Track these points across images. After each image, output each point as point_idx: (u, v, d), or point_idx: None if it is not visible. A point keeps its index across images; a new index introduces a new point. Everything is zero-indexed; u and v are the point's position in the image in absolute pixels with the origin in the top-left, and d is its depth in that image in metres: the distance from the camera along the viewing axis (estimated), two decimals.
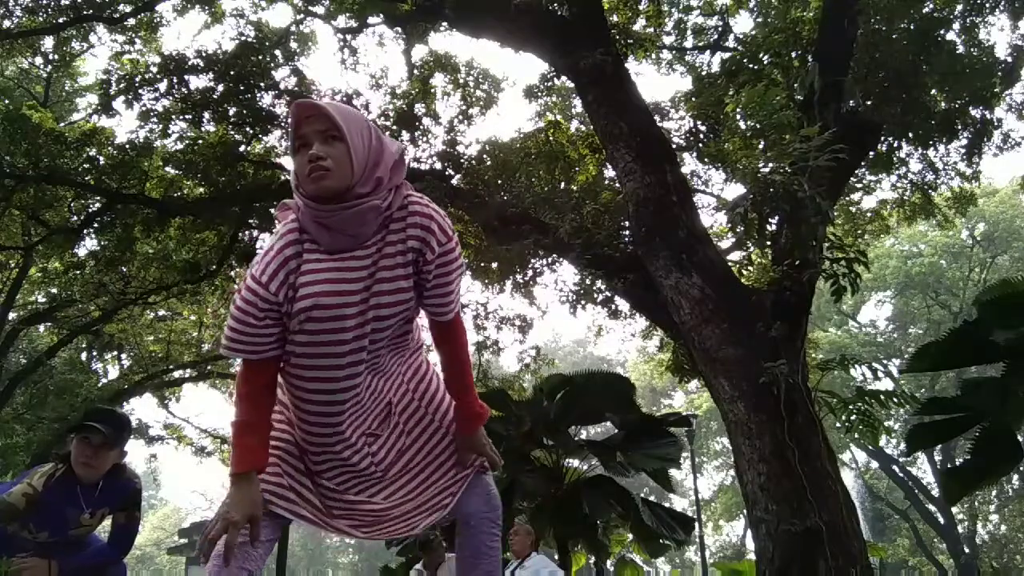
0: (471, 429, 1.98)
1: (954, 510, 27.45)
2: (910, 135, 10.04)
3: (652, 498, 14.49)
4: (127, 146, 10.98)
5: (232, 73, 10.36)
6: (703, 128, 10.12)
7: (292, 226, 1.74)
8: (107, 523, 3.05)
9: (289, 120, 1.79)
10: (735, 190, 12.54)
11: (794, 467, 5.70)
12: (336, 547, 55.39)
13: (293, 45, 11.81)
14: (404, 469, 1.94)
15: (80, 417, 3.20)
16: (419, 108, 11.39)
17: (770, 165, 6.68)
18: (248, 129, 10.85)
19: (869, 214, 12.36)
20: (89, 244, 12.59)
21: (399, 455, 1.94)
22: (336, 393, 1.78)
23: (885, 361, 29.57)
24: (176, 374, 19.30)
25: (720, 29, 11.60)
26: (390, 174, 1.73)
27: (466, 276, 13.07)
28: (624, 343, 62.76)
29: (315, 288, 1.70)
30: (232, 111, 10.63)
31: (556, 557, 9.50)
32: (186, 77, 10.52)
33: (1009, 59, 10.23)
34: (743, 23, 68.27)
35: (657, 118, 9.40)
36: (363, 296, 1.73)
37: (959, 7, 9.93)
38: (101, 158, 11.07)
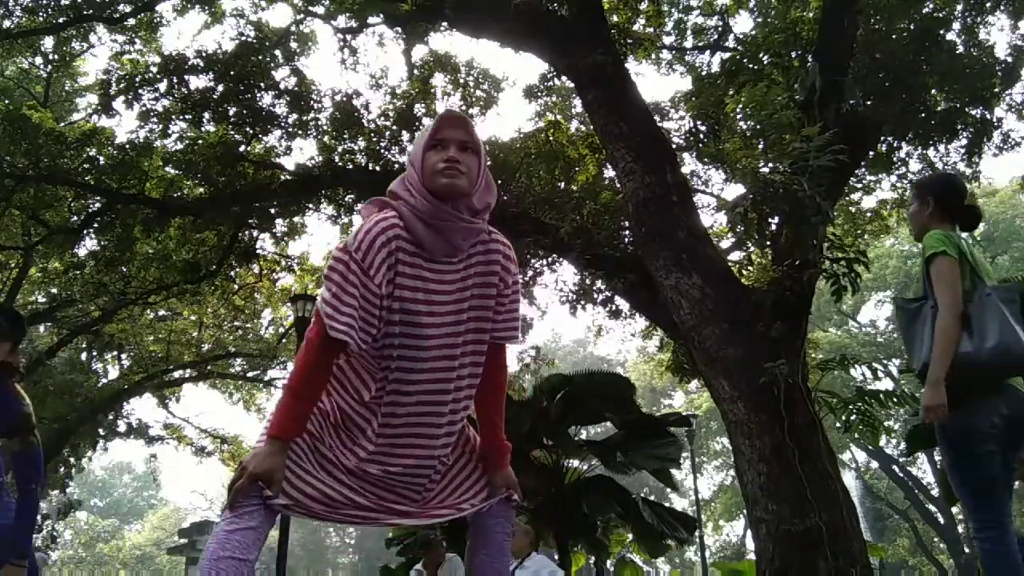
0: (504, 462, 2.06)
1: (954, 510, 27.41)
2: (910, 135, 10.04)
3: (652, 498, 14.49)
4: (127, 146, 10.98)
5: (232, 73, 10.36)
6: (703, 128, 10.12)
7: (396, 219, 1.81)
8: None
9: (432, 123, 1.86)
10: (735, 190, 12.56)
11: (794, 467, 5.69)
12: (336, 547, 55.41)
13: (293, 45, 11.81)
14: (439, 500, 1.99)
15: None
16: (419, 108, 11.39)
17: (770, 165, 6.68)
18: (248, 129, 10.85)
19: (869, 214, 12.37)
20: (89, 244, 12.60)
21: (445, 490, 1.99)
22: (433, 395, 1.84)
23: (885, 361, 29.57)
24: (176, 374, 19.32)
25: (720, 29, 11.60)
26: (489, 208, 1.92)
27: None
28: (624, 343, 62.84)
29: (415, 286, 1.79)
30: (232, 111, 10.63)
31: (556, 557, 9.50)
32: (186, 77, 10.52)
33: (1009, 59, 10.22)
34: (743, 23, 68.29)
35: (657, 118, 9.40)
36: (454, 308, 1.84)
37: (959, 7, 9.93)
38: (101, 158, 11.07)
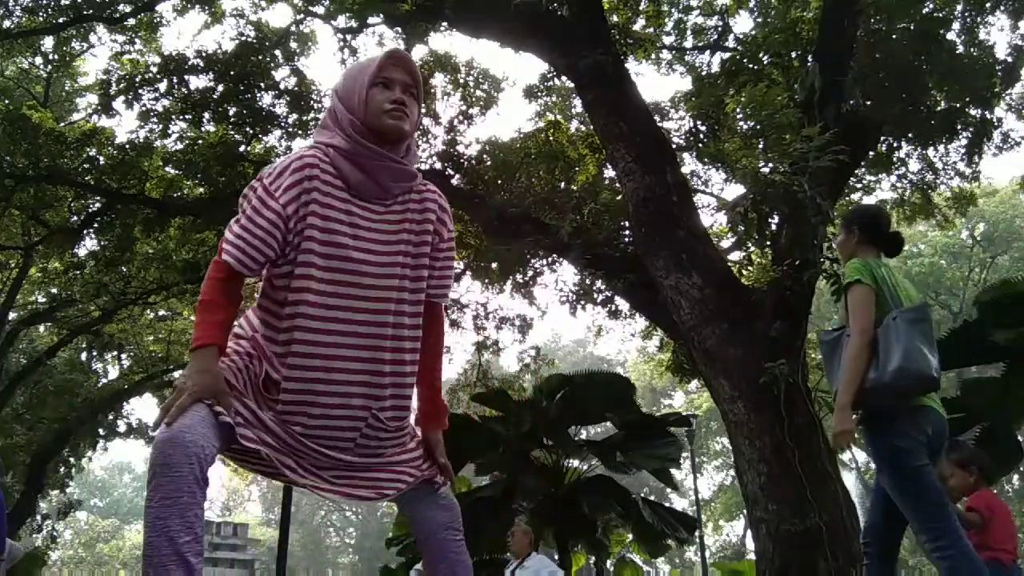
0: (441, 422, 1.96)
1: None
2: (910, 135, 10.04)
3: (652, 498, 14.49)
4: (127, 146, 10.98)
5: (232, 73, 10.36)
6: (703, 128, 10.12)
7: (313, 151, 1.76)
8: None
9: (376, 60, 1.81)
10: (735, 190, 12.55)
11: (794, 467, 5.70)
12: (336, 547, 55.44)
13: (293, 45, 11.81)
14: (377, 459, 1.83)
15: None
16: None
17: (770, 165, 6.68)
18: (248, 129, 10.85)
19: None
20: (89, 244, 12.62)
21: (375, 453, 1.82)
22: (355, 337, 1.71)
23: None
24: (176, 374, 19.29)
25: (720, 29, 11.60)
26: (414, 154, 1.90)
27: (466, 276, 13.13)
28: (624, 343, 62.74)
29: (339, 218, 1.72)
30: (232, 111, 10.63)
31: (556, 557, 9.50)
32: (186, 77, 10.53)
33: (1009, 59, 10.22)
34: (743, 23, 68.26)
35: (657, 118, 9.40)
36: (389, 250, 1.77)
37: (959, 7, 9.93)
38: (101, 158, 11.08)
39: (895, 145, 10.35)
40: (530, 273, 11.50)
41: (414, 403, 1.92)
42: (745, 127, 8.46)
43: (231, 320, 1.71)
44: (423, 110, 1.89)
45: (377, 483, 1.80)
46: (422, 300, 1.84)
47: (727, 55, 10.58)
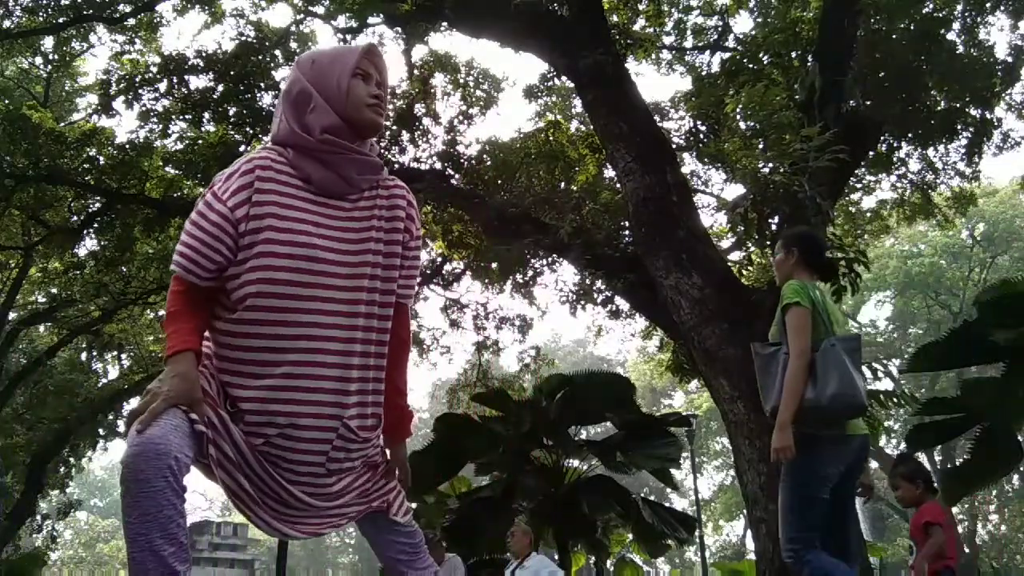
0: (404, 432, 1.88)
1: (954, 510, 27.43)
2: (910, 135, 10.04)
3: (652, 498, 14.50)
4: (127, 146, 10.99)
5: (232, 73, 10.36)
6: (703, 128, 10.12)
7: (265, 153, 1.69)
8: None
9: (353, 51, 1.76)
10: (735, 190, 12.55)
11: None
12: (336, 547, 55.44)
13: (293, 45, 11.81)
14: (343, 488, 1.74)
15: None
16: (419, 108, 11.40)
17: (770, 165, 6.68)
18: (248, 129, 10.85)
19: (869, 214, 12.36)
20: (89, 244, 12.61)
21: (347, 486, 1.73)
22: (322, 341, 1.62)
23: (885, 361, 29.57)
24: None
25: (720, 29, 11.61)
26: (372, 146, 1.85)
27: (466, 276, 13.14)
28: (624, 343, 62.66)
29: (297, 217, 1.63)
30: (232, 111, 10.64)
31: (556, 557, 9.50)
32: (186, 77, 10.53)
33: (1009, 59, 10.23)
34: (743, 23, 68.26)
35: (657, 118, 9.40)
36: (356, 249, 1.68)
37: (959, 7, 9.93)
38: (101, 158, 11.08)
39: (895, 145, 10.35)
40: (530, 273, 11.51)
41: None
42: (745, 127, 8.46)
43: (202, 326, 1.63)
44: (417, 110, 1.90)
45: (321, 520, 1.71)
46: (392, 302, 1.75)
47: (727, 55, 10.58)
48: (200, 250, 1.60)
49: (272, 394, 1.58)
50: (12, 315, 16.15)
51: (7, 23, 11.54)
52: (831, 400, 2.84)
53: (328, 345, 1.62)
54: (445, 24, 10.30)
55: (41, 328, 18.61)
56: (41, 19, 11.78)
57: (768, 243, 7.09)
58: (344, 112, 1.67)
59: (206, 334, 1.69)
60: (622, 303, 10.75)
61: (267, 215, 1.61)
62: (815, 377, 2.91)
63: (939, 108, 9.91)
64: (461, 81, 11.92)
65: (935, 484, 4.22)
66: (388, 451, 1.85)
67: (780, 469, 3.00)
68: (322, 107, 1.67)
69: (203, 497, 49.51)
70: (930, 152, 10.86)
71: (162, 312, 17.37)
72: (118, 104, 10.90)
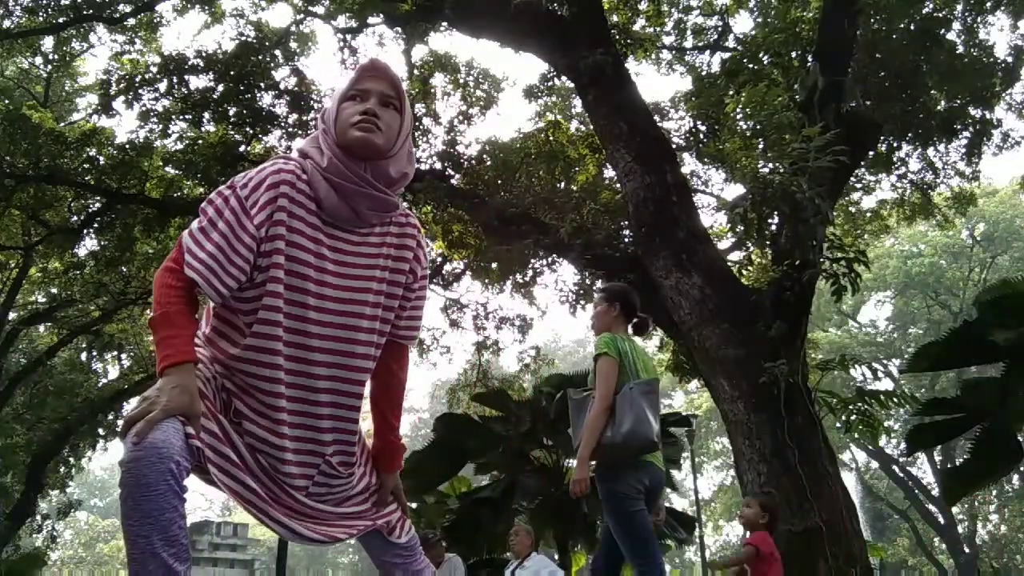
0: (396, 464, 1.83)
1: (954, 510, 27.44)
2: (910, 135, 10.04)
3: None
4: (127, 146, 10.99)
5: (232, 73, 10.36)
6: (703, 128, 10.12)
7: (292, 167, 1.62)
8: None
9: (354, 73, 1.69)
10: (735, 190, 12.55)
11: (794, 467, 5.70)
12: (336, 547, 55.39)
13: (293, 45, 11.82)
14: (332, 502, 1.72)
15: None
16: (419, 108, 11.40)
17: (770, 165, 6.68)
18: (248, 129, 10.85)
19: (869, 214, 12.36)
20: (89, 244, 12.61)
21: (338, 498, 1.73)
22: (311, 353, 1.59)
23: (885, 361, 29.58)
24: None
25: (720, 29, 11.61)
26: (405, 181, 1.73)
27: (466, 276, 13.14)
28: None
29: (304, 245, 1.57)
30: (232, 111, 10.63)
31: (556, 557, 9.50)
32: (186, 77, 10.53)
33: (1009, 59, 10.23)
34: (743, 23, 68.27)
35: (657, 118, 9.40)
36: (354, 284, 1.63)
37: (959, 7, 9.93)
38: (101, 158, 11.08)
39: (895, 145, 10.35)
40: (530, 273, 11.50)
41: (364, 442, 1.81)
42: (745, 127, 8.47)
43: (194, 331, 1.56)
44: (410, 122, 1.72)
45: (329, 529, 1.70)
46: (382, 342, 1.70)
47: (727, 55, 10.59)
48: (230, 270, 1.52)
49: (266, 422, 1.57)
50: (12, 315, 16.15)
51: (7, 23, 11.55)
52: (625, 437, 3.21)
53: (318, 383, 1.61)
54: (445, 24, 10.30)
55: (41, 328, 18.61)
56: (41, 19, 11.78)
57: (768, 243, 7.09)
58: (337, 136, 1.62)
59: (204, 335, 1.66)
60: None
61: (277, 237, 1.56)
62: (614, 417, 3.27)
63: (939, 108, 9.92)
64: (461, 81, 11.92)
65: (777, 522, 4.65)
66: (384, 483, 1.82)
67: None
68: (329, 132, 1.64)
69: (203, 497, 49.52)
70: (930, 152, 10.86)
71: None
72: (118, 104, 10.91)
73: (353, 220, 1.63)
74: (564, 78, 10.30)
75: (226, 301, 1.58)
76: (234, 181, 1.60)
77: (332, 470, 1.66)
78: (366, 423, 1.82)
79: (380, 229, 1.69)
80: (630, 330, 3.66)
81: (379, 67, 1.68)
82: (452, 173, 10.80)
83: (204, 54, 10.50)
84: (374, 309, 1.66)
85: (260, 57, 10.80)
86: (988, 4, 10.02)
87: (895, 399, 7.11)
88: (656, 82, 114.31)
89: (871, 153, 9.22)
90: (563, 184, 11.08)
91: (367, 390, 1.77)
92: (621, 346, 3.44)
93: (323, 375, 1.61)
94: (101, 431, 18.27)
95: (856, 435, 6.94)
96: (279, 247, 1.55)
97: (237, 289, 1.55)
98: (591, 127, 9.64)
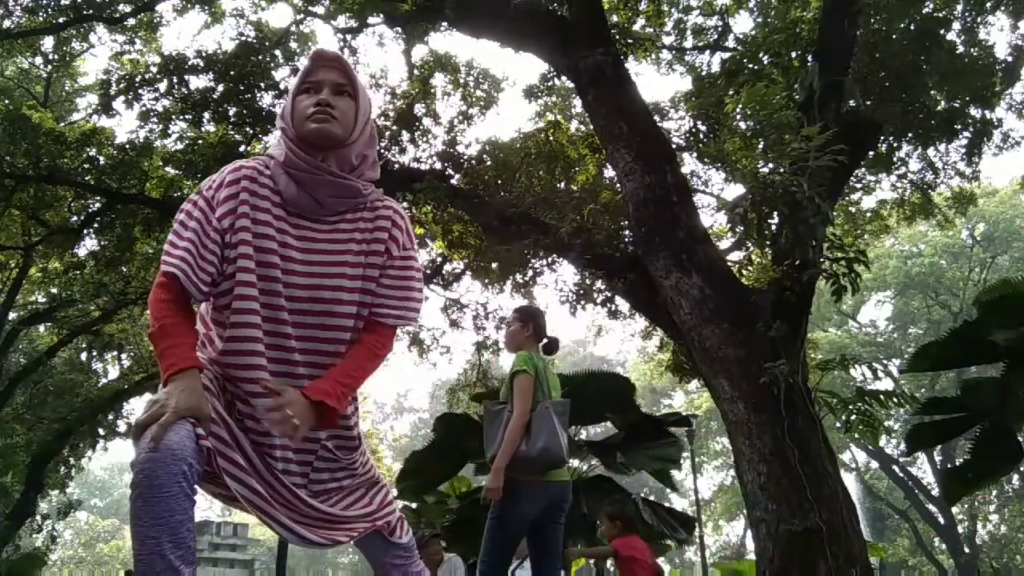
0: (322, 392, 1.58)
1: (954, 510, 27.45)
2: (910, 135, 10.04)
3: (652, 498, 14.49)
4: (127, 146, 10.99)
5: (232, 73, 10.36)
6: (703, 128, 10.12)
7: (255, 163, 1.68)
8: None
9: (305, 65, 1.71)
10: (735, 190, 12.55)
11: (794, 467, 5.69)
12: (336, 547, 55.37)
13: (293, 45, 11.83)
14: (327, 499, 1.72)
15: None
16: (419, 108, 11.40)
17: (770, 165, 6.68)
18: (248, 129, 10.85)
19: (869, 214, 12.36)
20: (89, 244, 12.61)
21: (332, 490, 1.72)
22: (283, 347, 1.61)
23: (885, 361, 29.58)
24: None
25: (720, 29, 11.61)
26: (371, 166, 1.75)
27: (466, 276, 13.13)
28: (624, 343, 62.79)
29: (268, 234, 1.61)
30: (232, 111, 10.63)
31: None
32: (186, 77, 10.53)
33: (1009, 59, 10.23)
34: (743, 23, 68.29)
35: (657, 118, 9.40)
36: (326, 272, 1.64)
37: (959, 7, 9.93)
38: (101, 158, 11.08)
39: (895, 145, 10.35)
40: (530, 273, 11.50)
41: (360, 431, 1.79)
42: (745, 127, 8.46)
43: (195, 339, 1.59)
44: (368, 107, 1.72)
45: (332, 533, 1.70)
46: (360, 328, 1.69)
47: (727, 55, 10.58)
48: (201, 265, 1.57)
49: (260, 414, 1.58)
50: (12, 315, 16.15)
51: (7, 23, 11.55)
52: (539, 453, 3.48)
53: (298, 370, 1.62)
54: (445, 24, 10.30)
55: (41, 328, 18.62)
56: (41, 19, 11.78)
57: (768, 243, 7.09)
58: (295, 130, 1.66)
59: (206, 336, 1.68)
60: (622, 303, 10.75)
61: (243, 229, 1.60)
62: (530, 433, 3.53)
63: (939, 108, 9.91)
64: (461, 81, 11.92)
65: (635, 525, 5.23)
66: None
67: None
68: (287, 128, 1.68)
69: (203, 497, 49.38)
70: (930, 152, 10.85)
71: None
72: (118, 104, 10.91)
73: (317, 210, 1.66)
74: (564, 78, 10.30)
75: (207, 298, 1.62)
76: (201, 186, 1.68)
77: (329, 454, 1.68)
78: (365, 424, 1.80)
79: (351, 216, 1.71)
80: (541, 350, 3.93)
81: (328, 57, 1.70)
82: (452, 173, 10.79)
83: (204, 54, 10.51)
84: (351, 295, 1.67)
85: (260, 57, 10.80)
86: (988, 4, 10.02)
87: (895, 399, 7.11)
88: (656, 82, 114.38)
89: (871, 153, 9.22)
90: (563, 184, 11.08)
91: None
92: (537, 364, 3.73)
93: (302, 361, 1.64)
94: (101, 431, 18.28)
95: (856, 435, 6.95)
96: (246, 238, 1.60)
97: (213, 284, 1.60)
98: (591, 127, 9.64)
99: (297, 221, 1.65)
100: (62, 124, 13.48)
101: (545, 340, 3.95)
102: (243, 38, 11.00)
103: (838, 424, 7.08)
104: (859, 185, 11.42)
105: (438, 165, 10.87)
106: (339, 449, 1.70)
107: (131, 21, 12.09)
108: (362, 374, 1.66)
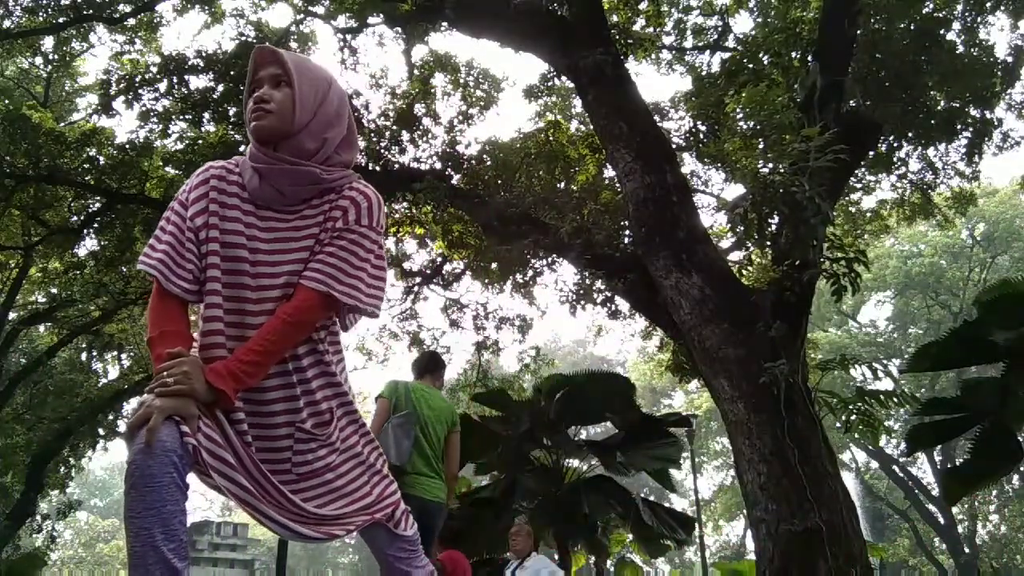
0: (214, 373, 1.53)
1: (954, 510, 27.45)
2: (910, 135, 10.04)
3: (652, 498, 14.49)
4: (127, 146, 10.98)
5: (232, 73, 10.35)
6: (703, 128, 10.12)
7: (223, 162, 1.76)
8: None
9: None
10: (735, 190, 12.55)
11: (794, 467, 5.69)
12: (336, 547, 55.40)
13: (293, 45, 11.81)
14: (321, 483, 1.71)
15: None
16: (419, 108, 11.39)
17: (770, 165, 6.68)
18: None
19: (869, 214, 12.36)
20: (89, 244, 12.61)
21: (322, 469, 1.71)
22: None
23: (885, 361, 29.58)
24: None
25: (720, 29, 11.61)
26: (339, 147, 1.75)
27: (466, 276, 13.13)
28: (624, 343, 62.75)
29: (237, 230, 1.67)
30: (232, 111, 10.63)
31: (556, 557, 9.50)
32: (186, 77, 10.52)
33: (1009, 59, 10.22)
34: (743, 23, 68.30)
35: (657, 118, 9.40)
36: (291, 259, 1.66)
37: (959, 7, 9.93)
38: (101, 158, 11.08)
39: (895, 145, 10.34)
40: (530, 273, 11.50)
41: (335, 403, 1.75)
42: (745, 127, 8.46)
43: (190, 343, 1.63)
44: (316, 89, 1.72)
45: (329, 527, 1.69)
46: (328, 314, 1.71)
47: (727, 55, 10.58)
48: (182, 263, 1.64)
49: (239, 403, 1.60)
50: (12, 315, 16.15)
51: (7, 23, 11.55)
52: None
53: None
54: (445, 24, 10.30)
55: (41, 328, 18.61)
56: (41, 19, 11.78)
57: (768, 243, 7.09)
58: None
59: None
60: (622, 303, 10.75)
61: (212, 226, 1.67)
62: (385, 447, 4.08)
63: (939, 108, 9.91)
64: (461, 81, 11.92)
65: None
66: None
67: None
68: (247, 126, 1.73)
69: (203, 497, 49.48)
70: (930, 152, 10.85)
71: None
72: (118, 104, 10.90)
73: (281, 200, 1.69)
74: (564, 78, 10.30)
75: (195, 296, 1.67)
76: (178, 192, 1.75)
77: (307, 434, 1.67)
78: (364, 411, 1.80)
79: (317, 201, 1.71)
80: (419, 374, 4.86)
81: (263, 52, 1.73)
82: (452, 173, 10.79)
83: (204, 54, 10.50)
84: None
85: None
86: (988, 4, 10.02)
87: (895, 399, 7.11)
88: (656, 82, 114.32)
89: (871, 153, 9.22)
90: (563, 184, 11.08)
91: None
92: (400, 388, 4.56)
93: None
94: (101, 431, 18.26)
95: (856, 435, 6.95)
96: (214, 235, 1.66)
97: (196, 281, 1.66)
98: (591, 127, 9.64)
99: (264, 213, 1.70)
100: (62, 124, 13.48)
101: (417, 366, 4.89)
102: (243, 38, 10.99)
103: (838, 424, 7.09)
104: (859, 185, 11.41)
105: (438, 165, 10.88)
106: (316, 427, 1.70)
107: (131, 21, 12.09)
108: (266, 343, 1.58)
